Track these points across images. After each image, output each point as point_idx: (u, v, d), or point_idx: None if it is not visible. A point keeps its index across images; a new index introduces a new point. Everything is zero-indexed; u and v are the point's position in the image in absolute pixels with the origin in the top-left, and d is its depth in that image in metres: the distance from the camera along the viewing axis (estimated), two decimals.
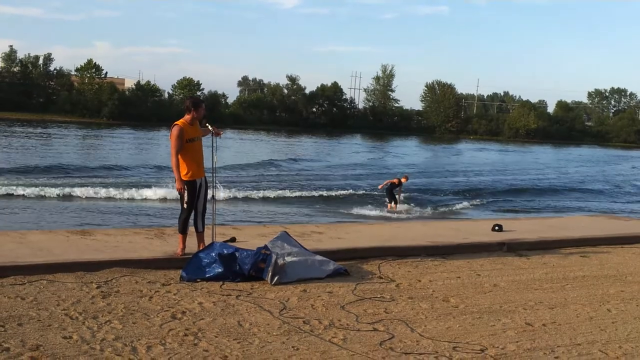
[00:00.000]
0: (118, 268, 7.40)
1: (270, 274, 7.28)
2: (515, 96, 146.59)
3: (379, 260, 8.82)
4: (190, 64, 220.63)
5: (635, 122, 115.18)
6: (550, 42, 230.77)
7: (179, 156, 7.94)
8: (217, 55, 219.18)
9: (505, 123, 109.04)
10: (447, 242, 10.12)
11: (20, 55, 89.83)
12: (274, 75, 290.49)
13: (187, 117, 8.06)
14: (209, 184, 8.36)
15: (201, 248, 7.90)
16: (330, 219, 17.49)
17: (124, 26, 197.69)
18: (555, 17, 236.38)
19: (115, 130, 65.60)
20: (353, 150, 57.62)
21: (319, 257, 7.98)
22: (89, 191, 20.07)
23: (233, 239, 8.98)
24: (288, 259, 7.63)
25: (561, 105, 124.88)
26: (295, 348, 5.27)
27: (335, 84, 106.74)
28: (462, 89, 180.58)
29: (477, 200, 24.12)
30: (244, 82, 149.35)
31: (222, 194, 19.90)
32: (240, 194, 21.81)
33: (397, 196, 20.32)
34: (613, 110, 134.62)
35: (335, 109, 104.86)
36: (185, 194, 7.99)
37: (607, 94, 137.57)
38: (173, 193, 16.56)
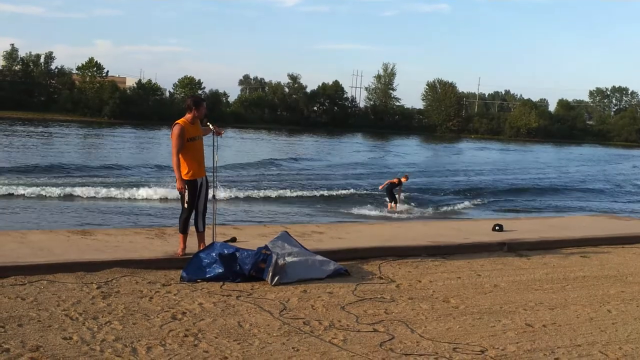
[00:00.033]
0: (118, 268, 7.40)
1: (270, 274, 7.28)
2: (517, 95, 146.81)
3: (379, 260, 8.82)
4: (191, 63, 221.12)
5: (637, 121, 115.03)
6: (552, 40, 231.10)
7: (180, 155, 7.92)
8: (218, 54, 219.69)
9: (506, 122, 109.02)
10: (447, 242, 10.12)
11: (22, 53, 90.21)
12: (275, 73, 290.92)
13: (188, 116, 8.05)
14: (209, 184, 8.36)
15: (202, 248, 7.89)
16: (331, 219, 17.50)
17: (125, 25, 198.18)
18: (557, 16, 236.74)
19: (116, 129, 65.65)
20: (354, 149, 57.61)
21: (319, 257, 7.98)
22: (89, 191, 20.07)
23: (233, 239, 8.98)
24: (288, 259, 7.63)
25: (562, 104, 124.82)
26: (295, 349, 5.27)
27: (336, 83, 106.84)
28: (463, 87, 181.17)
29: (478, 200, 24.09)
30: (245, 81, 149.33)
31: (222, 193, 19.91)
32: (241, 194, 21.82)
33: (397, 196, 20.31)
34: (614, 109, 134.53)
35: (336, 108, 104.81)
36: (186, 194, 7.98)
37: (608, 93, 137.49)
38: (174, 193, 16.55)
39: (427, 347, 5.51)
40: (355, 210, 19.61)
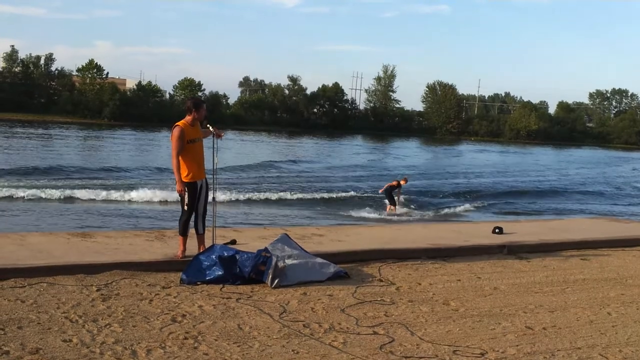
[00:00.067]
0: (118, 270, 7.40)
1: (270, 276, 7.28)
2: (517, 97, 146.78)
3: (379, 262, 8.81)
4: (191, 65, 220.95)
5: (636, 123, 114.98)
6: (552, 42, 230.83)
7: (180, 157, 7.92)
8: (218, 56, 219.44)
9: (506, 124, 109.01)
10: (447, 244, 10.12)
11: (22, 55, 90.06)
12: (275, 75, 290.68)
13: (188, 118, 8.05)
14: (209, 186, 8.36)
15: (201, 250, 7.89)
16: (331, 222, 17.49)
17: (125, 26, 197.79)
18: (557, 17, 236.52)
19: (116, 131, 65.69)
20: (354, 151, 57.60)
21: (319, 260, 7.97)
22: (89, 193, 20.07)
23: (233, 241, 8.97)
24: (288, 261, 7.63)
25: (562, 106, 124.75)
26: (295, 352, 5.27)
27: (336, 85, 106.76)
28: (463, 89, 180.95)
29: (478, 203, 24.08)
30: (245, 83, 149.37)
31: (222, 196, 19.91)
32: (241, 196, 21.82)
33: (396, 198, 20.32)
34: (614, 112, 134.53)
35: (336, 110, 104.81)
36: (186, 196, 7.98)
37: (608, 95, 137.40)
38: (174, 195, 16.55)
39: (427, 349, 5.51)
40: (355, 213, 19.62)
